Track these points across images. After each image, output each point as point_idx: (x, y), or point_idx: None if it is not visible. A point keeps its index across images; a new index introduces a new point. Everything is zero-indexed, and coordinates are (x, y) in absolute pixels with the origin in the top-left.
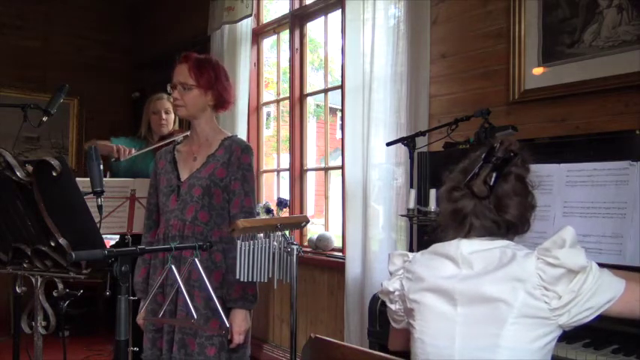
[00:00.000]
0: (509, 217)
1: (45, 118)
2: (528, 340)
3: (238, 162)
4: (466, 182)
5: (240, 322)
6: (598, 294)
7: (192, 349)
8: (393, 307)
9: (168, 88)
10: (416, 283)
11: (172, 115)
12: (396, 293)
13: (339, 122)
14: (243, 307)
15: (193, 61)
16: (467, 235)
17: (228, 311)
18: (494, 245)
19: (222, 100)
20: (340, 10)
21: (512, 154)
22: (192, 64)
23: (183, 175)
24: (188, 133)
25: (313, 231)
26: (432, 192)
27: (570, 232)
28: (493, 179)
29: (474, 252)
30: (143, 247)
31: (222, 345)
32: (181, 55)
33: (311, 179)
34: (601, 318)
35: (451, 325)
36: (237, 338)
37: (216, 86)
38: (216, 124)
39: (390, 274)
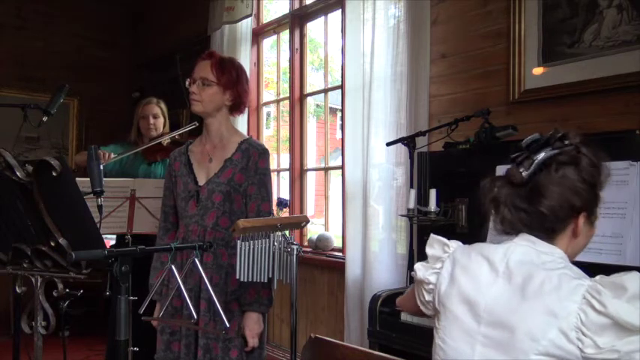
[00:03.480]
0: (541, 208)
1: (45, 118)
2: None
3: (255, 167)
4: (507, 170)
5: (252, 325)
6: None
7: (216, 353)
8: (426, 295)
9: (187, 83)
10: (450, 286)
11: (161, 119)
12: (431, 286)
13: (339, 122)
14: (256, 311)
15: (217, 59)
16: (504, 228)
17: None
18: (541, 260)
19: (239, 102)
20: (340, 10)
21: (566, 143)
22: (215, 62)
23: (201, 179)
24: (177, 134)
25: (313, 231)
26: (432, 192)
27: (636, 281)
28: (531, 167)
29: (519, 261)
30: (143, 247)
31: (243, 346)
32: (206, 51)
33: (311, 179)
34: None
35: (472, 342)
36: (251, 341)
37: (236, 87)
38: (232, 125)
39: (428, 256)
